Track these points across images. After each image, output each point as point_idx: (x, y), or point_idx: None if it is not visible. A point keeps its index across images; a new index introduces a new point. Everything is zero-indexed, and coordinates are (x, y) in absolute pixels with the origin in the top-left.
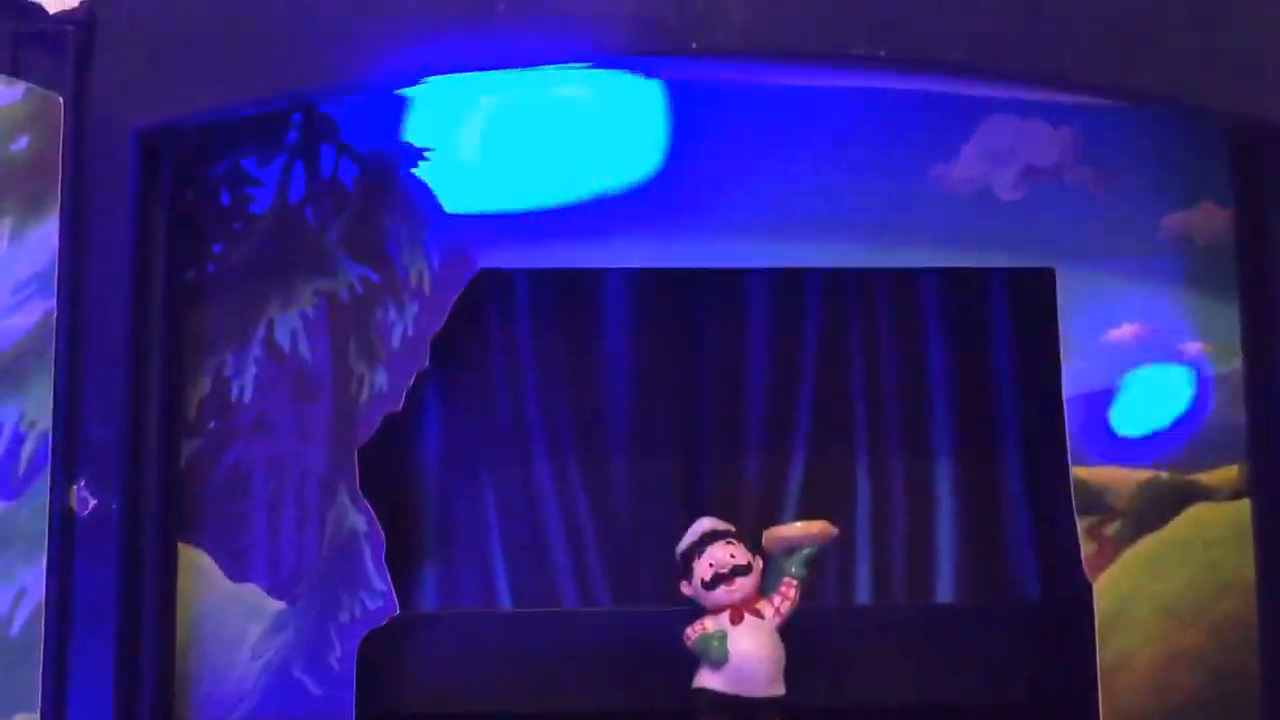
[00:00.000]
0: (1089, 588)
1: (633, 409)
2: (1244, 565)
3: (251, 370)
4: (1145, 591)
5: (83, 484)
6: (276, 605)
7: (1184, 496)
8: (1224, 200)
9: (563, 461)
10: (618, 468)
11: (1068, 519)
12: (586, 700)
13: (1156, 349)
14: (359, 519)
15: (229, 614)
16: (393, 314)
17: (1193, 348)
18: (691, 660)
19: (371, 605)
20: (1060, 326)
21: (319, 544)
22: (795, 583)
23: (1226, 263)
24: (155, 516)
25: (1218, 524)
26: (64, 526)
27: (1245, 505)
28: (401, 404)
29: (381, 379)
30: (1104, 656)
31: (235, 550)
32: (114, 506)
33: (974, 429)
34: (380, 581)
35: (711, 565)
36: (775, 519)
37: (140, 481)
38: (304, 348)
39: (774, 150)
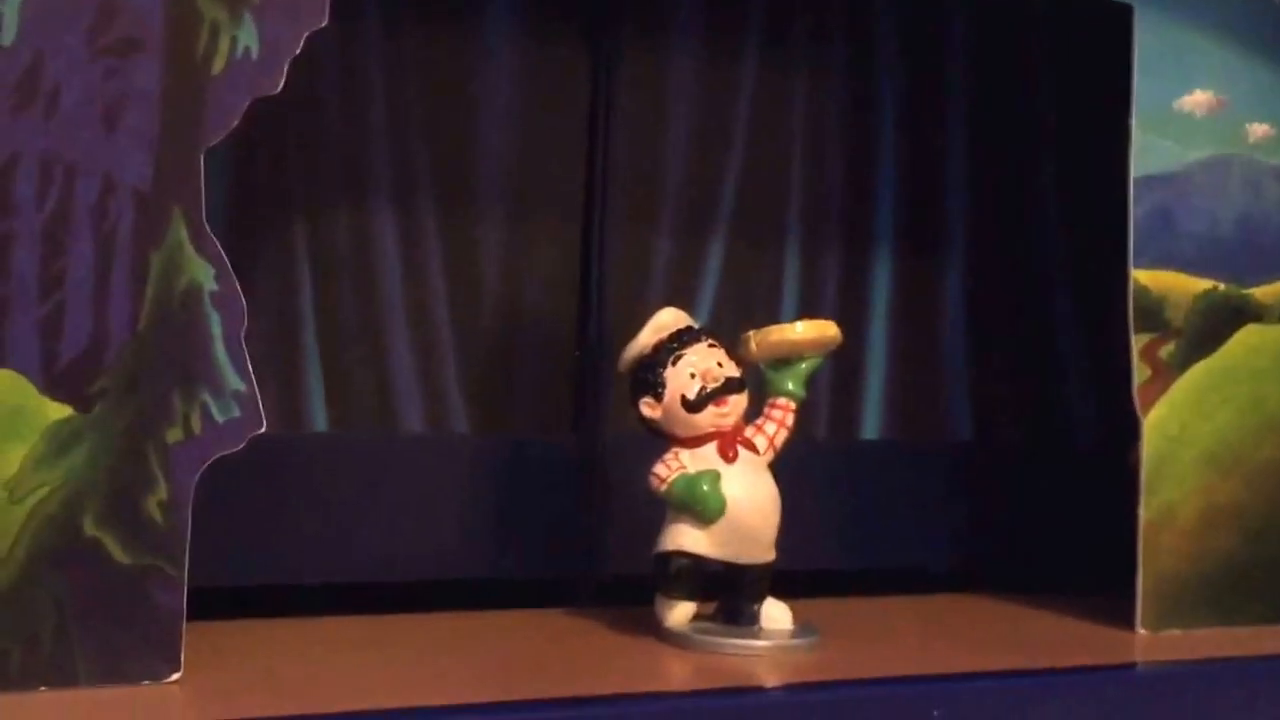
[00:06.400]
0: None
1: None
2: None
3: None
4: (1192, 432)
5: None
6: (57, 412)
7: (1237, 314)
8: None
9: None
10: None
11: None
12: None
13: (1225, 127)
14: (204, 270)
15: None
16: None
17: (1259, 130)
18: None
19: (221, 416)
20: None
21: (133, 308)
22: (793, 406)
23: None
24: None
25: (1267, 350)
26: None
27: None
28: (281, 84)
29: (250, 36)
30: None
31: None
32: None
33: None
34: (237, 376)
35: (695, 376)
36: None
37: None
38: None
39: None
